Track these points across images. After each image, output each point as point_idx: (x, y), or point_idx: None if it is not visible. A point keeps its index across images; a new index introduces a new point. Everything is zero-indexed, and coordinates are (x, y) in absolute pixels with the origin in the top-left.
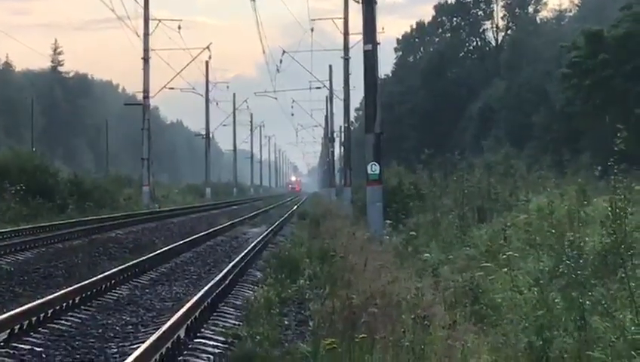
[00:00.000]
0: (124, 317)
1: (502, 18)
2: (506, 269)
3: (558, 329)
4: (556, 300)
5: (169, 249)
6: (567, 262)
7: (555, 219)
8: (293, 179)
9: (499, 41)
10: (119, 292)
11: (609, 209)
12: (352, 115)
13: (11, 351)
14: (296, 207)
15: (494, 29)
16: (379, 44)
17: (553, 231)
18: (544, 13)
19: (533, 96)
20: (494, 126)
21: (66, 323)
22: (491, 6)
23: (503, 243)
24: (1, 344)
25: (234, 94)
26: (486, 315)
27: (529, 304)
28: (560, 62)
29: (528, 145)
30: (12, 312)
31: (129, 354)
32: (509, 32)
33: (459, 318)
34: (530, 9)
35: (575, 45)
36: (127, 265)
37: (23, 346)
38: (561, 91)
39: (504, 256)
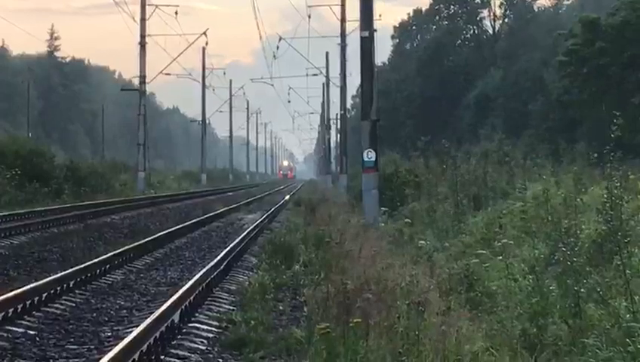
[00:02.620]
0: (118, 302)
1: (499, 6)
2: (501, 257)
3: (552, 317)
4: (551, 287)
5: (164, 234)
6: (563, 249)
7: (551, 207)
8: (285, 164)
9: (496, 30)
10: (114, 276)
11: (605, 197)
12: (349, 102)
13: (5, 334)
14: (291, 193)
15: (491, 17)
16: (376, 31)
17: (549, 218)
18: (541, 2)
19: (530, 84)
20: (491, 114)
21: (60, 306)
22: None
23: (498, 230)
24: None
25: (230, 80)
26: (481, 302)
27: (524, 291)
28: (557, 50)
29: (525, 134)
30: (6, 296)
31: (123, 338)
32: (506, 20)
33: (453, 305)
34: None
35: (572, 33)
36: (122, 249)
37: (16, 329)
38: (558, 79)
39: (499, 244)
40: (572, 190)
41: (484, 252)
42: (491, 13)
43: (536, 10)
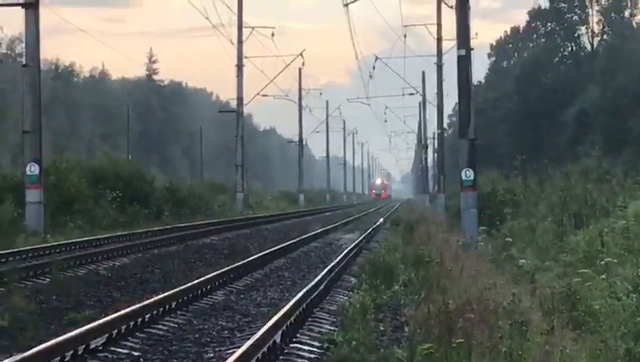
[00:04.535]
0: (220, 322)
1: (597, 23)
2: (604, 275)
3: None
4: None
5: (263, 255)
6: None
7: None
8: (379, 182)
9: (594, 46)
10: (215, 297)
11: None
12: (446, 121)
13: (110, 355)
14: (389, 213)
15: (589, 34)
16: (472, 49)
17: None
18: None
19: (629, 101)
20: (590, 131)
21: (162, 327)
22: (586, 11)
23: (600, 249)
24: (100, 347)
25: (327, 101)
26: (584, 322)
27: (628, 310)
28: None
29: (625, 151)
30: (110, 317)
31: (226, 359)
32: (604, 36)
33: (556, 324)
34: (627, 13)
35: None
36: (222, 270)
37: (120, 350)
38: None
39: (602, 262)
40: None
41: (586, 270)
42: (589, 30)
43: (634, 26)
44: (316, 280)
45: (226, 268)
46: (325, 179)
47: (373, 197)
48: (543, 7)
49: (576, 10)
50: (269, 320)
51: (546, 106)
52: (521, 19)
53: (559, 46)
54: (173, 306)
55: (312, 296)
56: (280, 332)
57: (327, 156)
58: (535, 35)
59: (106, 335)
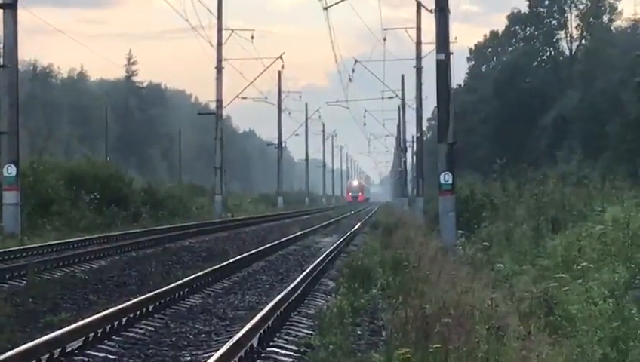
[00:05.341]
0: (197, 326)
1: (576, 28)
2: (580, 280)
3: (634, 341)
4: (632, 311)
5: (241, 258)
6: None
7: (631, 230)
8: (355, 183)
9: (573, 51)
10: (192, 300)
11: None
12: (425, 124)
13: (85, 359)
14: (368, 216)
15: (568, 39)
16: (451, 53)
17: (630, 241)
18: (619, 23)
19: (607, 106)
20: (568, 136)
21: (139, 331)
22: (565, 15)
23: (577, 254)
24: (76, 351)
25: (306, 104)
26: (561, 326)
27: (604, 315)
28: (635, 71)
29: (603, 156)
30: (86, 320)
31: None
32: (583, 41)
33: (533, 329)
34: (605, 18)
35: None
36: (200, 273)
37: (96, 354)
38: (637, 100)
39: (579, 267)
40: None
41: (563, 275)
42: (568, 35)
43: (613, 31)
44: (294, 283)
45: (203, 271)
46: (304, 182)
47: (350, 200)
48: (522, 12)
49: (555, 14)
50: (247, 323)
51: (524, 110)
52: (500, 23)
53: (538, 50)
54: (150, 309)
55: (290, 300)
56: (257, 335)
57: (307, 159)
58: (514, 40)
59: (82, 338)
